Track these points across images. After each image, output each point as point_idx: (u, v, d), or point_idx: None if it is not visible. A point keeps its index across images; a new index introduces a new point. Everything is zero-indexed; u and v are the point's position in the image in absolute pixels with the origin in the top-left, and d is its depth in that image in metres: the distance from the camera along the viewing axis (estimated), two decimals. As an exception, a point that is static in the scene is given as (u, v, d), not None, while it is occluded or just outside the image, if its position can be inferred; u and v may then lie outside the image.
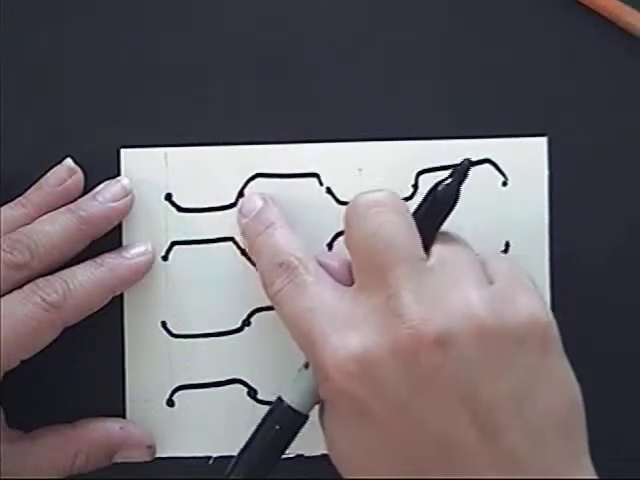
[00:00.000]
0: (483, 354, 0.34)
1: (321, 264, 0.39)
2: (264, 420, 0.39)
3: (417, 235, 0.37)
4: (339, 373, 0.35)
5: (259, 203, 0.42)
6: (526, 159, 0.43)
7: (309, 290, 0.38)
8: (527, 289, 0.37)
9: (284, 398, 0.38)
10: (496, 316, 0.35)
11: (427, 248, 0.37)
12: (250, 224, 0.41)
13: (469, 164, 0.38)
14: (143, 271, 0.42)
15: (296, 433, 0.39)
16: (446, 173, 0.42)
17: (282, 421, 0.38)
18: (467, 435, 0.34)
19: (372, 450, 0.36)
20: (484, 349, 0.34)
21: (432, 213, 0.38)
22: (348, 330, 0.36)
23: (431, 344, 0.34)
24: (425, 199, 0.39)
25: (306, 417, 0.39)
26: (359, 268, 0.38)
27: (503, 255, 0.40)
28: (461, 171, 0.38)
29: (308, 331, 0.37)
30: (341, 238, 0.41)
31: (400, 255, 0.36)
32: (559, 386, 0.35)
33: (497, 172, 0.43)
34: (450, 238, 0.38)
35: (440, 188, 0.38)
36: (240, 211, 0.42)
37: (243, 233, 0.42)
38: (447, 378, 0.34)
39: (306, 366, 0.38)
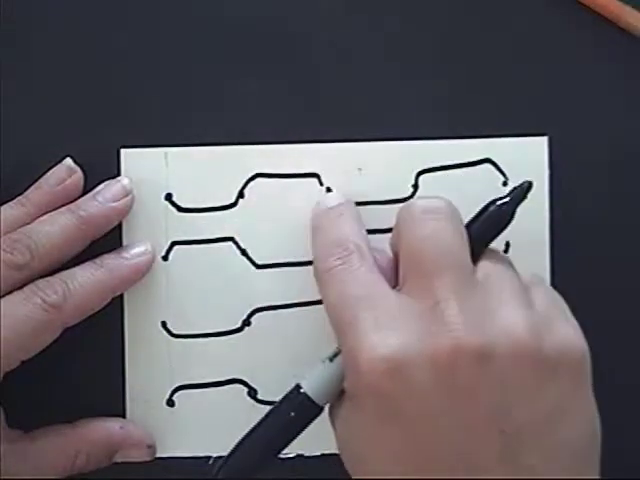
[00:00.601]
0: (519, 375, 0.34)
1: None
2: (279, 404, 0.38)
3: (468, 247, 0.37)
4: (372, 370, 0.34)
5: (340, 199, 0.42)
6: (526, 159, 0.43)
7: (360, 278, 0.37)
8: (566, 317, 0.36)
9: (303, 386, 0.38)
10: (537, 340, 0.34)
11: (474, 262, 0.37)
12: (322, 209, 0.41)
13: (529, 186, 0.38)
14: (143, 271, 0.42)
15: (307, 424, 0.38)
16: (446, 173, 0.43)
17: (297, 408, 0.38)
18: (489, 452, 0.34)
19: (390, 451, 0.35)
20: (520, 370, 0.34)
21: (484, 229, 0.38)
22: (390, 330, 0.35)
23: (471, 357, 0.34)
24: (480, 213, 0.39)
25: (321, 409, 0.38)
26: (407, 271, 0.37)
27: (542, 281, 0.40)
28: (520, 192, 0.38)
29: (350, 320, 0.36)
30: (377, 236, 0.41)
31: (451, 263, 0.36)
32: (584, 419, 0.35)
33: (497, 172, 0.43)
34: (497, 256, 0.38)
35: (495, 207, 0.38)
36: (320, 202, 0.42)
37: (313, 218, 0.42)
38: (481, 393, 0.34)
39: (331, 359, 0.38)
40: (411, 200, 0.38)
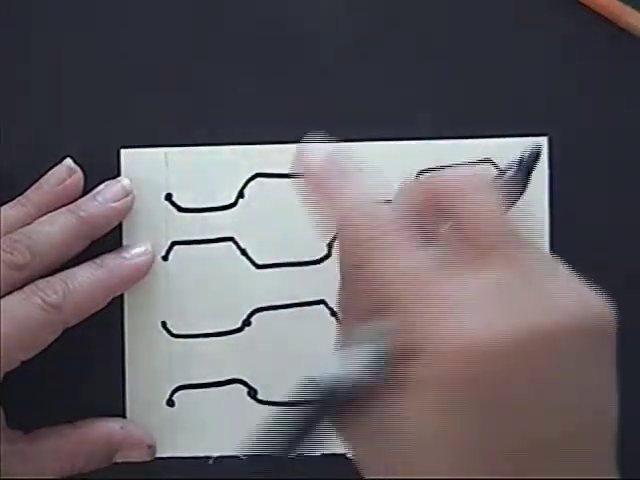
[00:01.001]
0: (582, 359, 0.33)
1: None
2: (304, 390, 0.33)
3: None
4: (451, 356, 0.30)
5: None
6: (526, 159, 0.43)
7: (419, 254, 0.32)
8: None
9: (333, 373, 0.32)
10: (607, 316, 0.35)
11: None
12: (327, 164, 0.36)
13: (538, 151, 0.36)
14: (143, 271, 0.42)
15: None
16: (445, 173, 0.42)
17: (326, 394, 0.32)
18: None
19: (461, 442, 0.30)
20: (583, 353, 0.33)
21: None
22: (464, 313, 0.31)
23: (549, 340, 0.31)
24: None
25: (352, 399, 0.32)
26: (473, 249, 0.32)
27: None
28: (529, 159, 0.36)
29: (412, 298, 0.31)
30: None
31: (507, 236, 0.32)
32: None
33: (497, 172, 0.43)
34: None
35: (502, 181, 0.36)
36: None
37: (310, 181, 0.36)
38: (556, 380, 0.31)
39: (370, 341, 0.32)
40: (463, 169, 0.37)
